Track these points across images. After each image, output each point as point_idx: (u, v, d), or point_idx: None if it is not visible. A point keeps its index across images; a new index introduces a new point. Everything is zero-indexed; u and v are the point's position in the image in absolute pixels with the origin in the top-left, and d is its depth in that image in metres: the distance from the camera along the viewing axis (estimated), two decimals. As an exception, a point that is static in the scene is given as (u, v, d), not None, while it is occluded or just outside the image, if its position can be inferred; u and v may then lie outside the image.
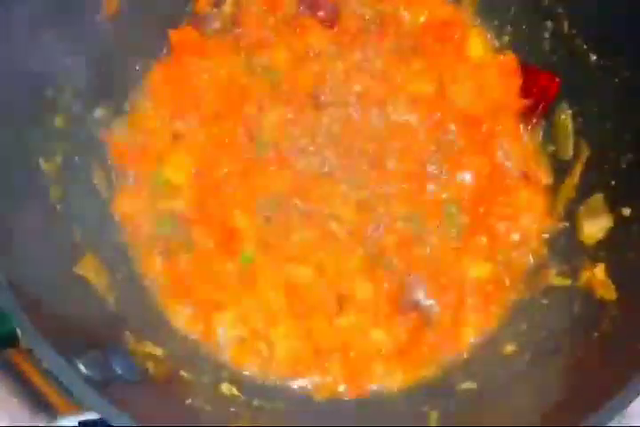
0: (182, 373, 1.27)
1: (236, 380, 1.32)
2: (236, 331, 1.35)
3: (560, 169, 1.47)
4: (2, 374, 0.98)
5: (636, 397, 1.01)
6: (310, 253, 1.41)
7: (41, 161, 1.23)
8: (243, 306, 1.36)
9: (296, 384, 1.35)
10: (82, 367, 0.96)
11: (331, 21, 1.59)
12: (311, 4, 1.60)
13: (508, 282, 1.42)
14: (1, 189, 1.08)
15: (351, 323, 1.36)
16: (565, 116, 1.47)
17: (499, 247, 1.44)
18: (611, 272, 1.26)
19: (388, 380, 1.35)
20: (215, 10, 1.59)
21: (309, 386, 1.35)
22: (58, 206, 1.25)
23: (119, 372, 1.07)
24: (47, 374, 0.98)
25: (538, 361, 1.27)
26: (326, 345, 1.35)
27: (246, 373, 1.35)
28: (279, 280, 1.38)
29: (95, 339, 1.08)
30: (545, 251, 1.43)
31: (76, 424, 1.00)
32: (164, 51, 1.55)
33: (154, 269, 1.40)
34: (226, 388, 1.30)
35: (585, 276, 1.30)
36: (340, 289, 1.38)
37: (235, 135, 1.48)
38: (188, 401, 1.21)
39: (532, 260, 1.44)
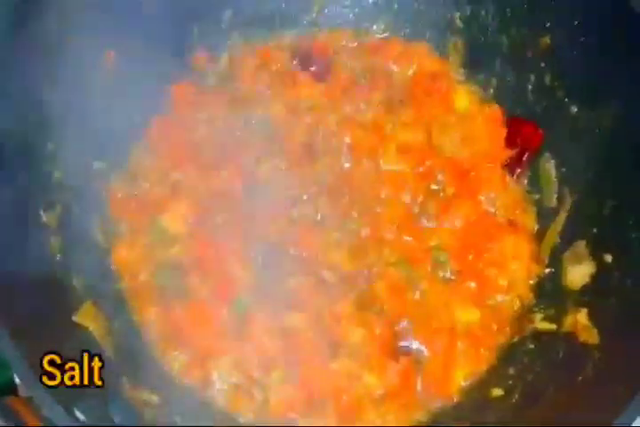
0: (177, 419, 1.27)
1: (230, 426, 1.33)
2: (231, 377, 1.36)
3: (545, 216, 1.51)
4: (2, 422, 1.00)
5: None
6: (303, 299, 1.42)
7: (41, 213, 1.28)
8: (238, 353, 1.37)
9: (289, 429, 1.35)
10: (79, 414, 0.99)
11: (323, 75, 1.66)
12: (304, 59, 1.67)
13: (495, 326, 1.44)
14: (3, 242, 1.11)
15: (343, 368, 1.37)
16: (549, 166, 1.52)
17: (487, 292, 1.47)
18: (593, 317, 1.28)
19: (380, 424, 1.35)
20: (212, 65, 1.67)
21: (302, 431, 1.35)
22: (58, 257, 1.29)
23: (116, 418, 1.09)
24: (46, 421, 1.00)
25: (523, 405, 1.28)
26: (319, 390, 1.36)
27: (241, 419, 1.35)
28: (273, 327, 1.39)
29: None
30: (531, 296, 1.46)
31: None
32: (163, 105, 1.61)
33: (150, 316, 1.41)
34: (220, 434, 1.30)
35: (569, 320, 1.32)
36: (332, 335, 1.39)
37: (231, 185, 1.52)
38: (183, 447, 1.23)
39: (518, 305, 1.46)
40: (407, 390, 1.37)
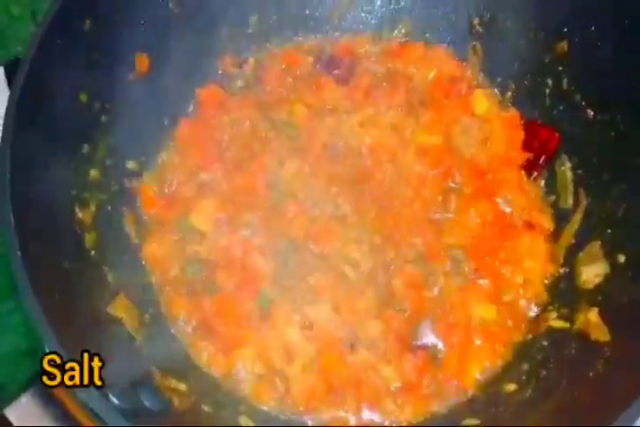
0: (204, 406, 1.32)
1: (254, 414, 1.37)
2: (255, 368, 1.40)
3: (560, 217, 1.53)
4: (43, 404, 1.05)
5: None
6: (325, 294, 1.46)
7: (77, 210, 1.33)
8: (261, 344, 1.41)
9: (310, 418, 1.39)
10: (113, 399, 1.04)
11: (345, 79, 1.70)
12: (327, 63, 1.72)
13: (511, 323, 1.47)
14: (42, 238, 1.17)
15: (362, 360, 1.41)
16: (565, 168, 1.54)
17: (503, 291, 1.50)
18: (605, 316, 1.30)
19: (397, 415, 1.39)
20: (239, 69, 1.73)
21: (322, 420, 1.39)
22: (92, 252, 1.34)
23: (146, 404, 1.14)
24: (82, 403, 1.05)
25: (536, 399, 1.31)
26: (339, 381, 1.40)
27: (264, 407, 1.39)
28: (295, 320, 1.43)
29: (125, 373, 1.16)
30: (546, 295, 1.48)
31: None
32: (191, 107, 1.67)
33: (179, 309, 1.47)
34: (243, 420, 1.34)
35: (581, 319, 1.34)
36: (352, 328, 1.43)
37: (255, 184, 1.57)
38: (209, 432, 1.27)
39: (534, 303, 1.48)
40: (423, 383, 1.41)
